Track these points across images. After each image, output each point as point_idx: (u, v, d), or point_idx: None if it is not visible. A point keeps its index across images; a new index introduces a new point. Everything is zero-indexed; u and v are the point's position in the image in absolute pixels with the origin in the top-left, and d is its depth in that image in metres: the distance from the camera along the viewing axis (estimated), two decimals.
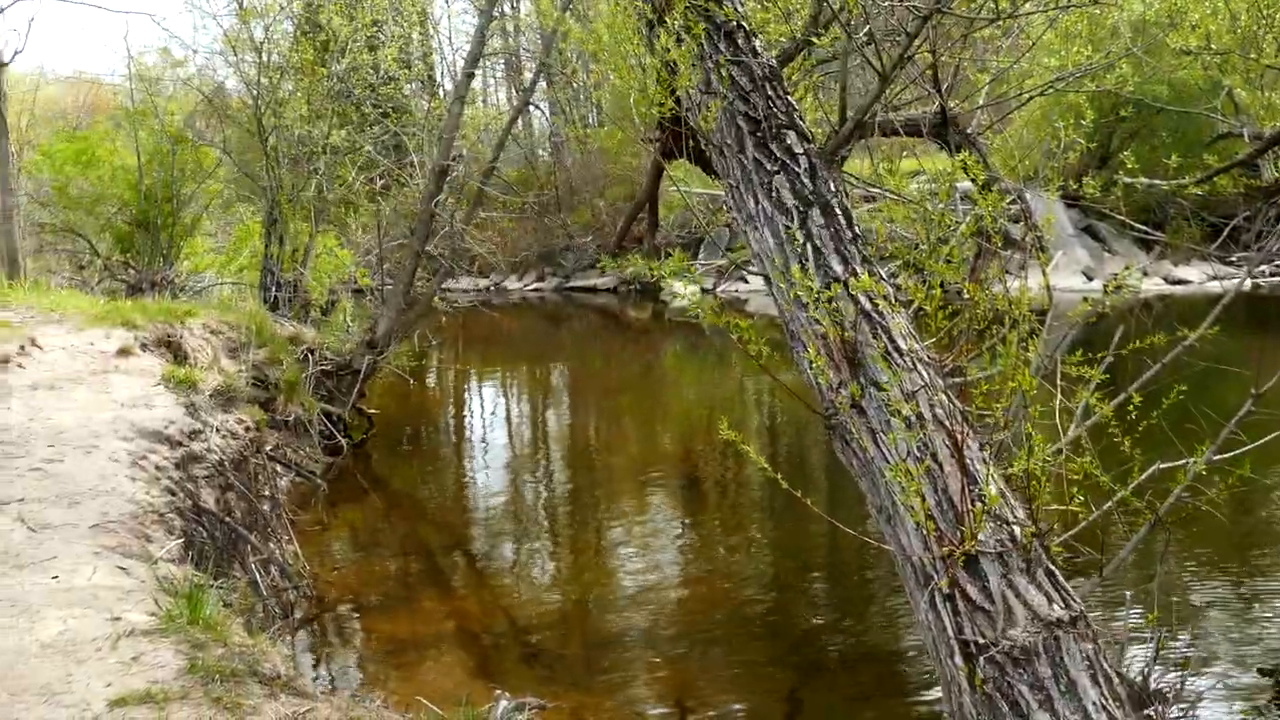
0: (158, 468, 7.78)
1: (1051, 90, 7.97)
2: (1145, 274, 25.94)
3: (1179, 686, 5.64)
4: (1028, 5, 6.55)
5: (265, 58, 15.86)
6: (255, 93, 15.76)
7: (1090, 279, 26.60)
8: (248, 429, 9.78)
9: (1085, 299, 5.02)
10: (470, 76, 15.37)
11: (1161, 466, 4.54)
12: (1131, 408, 4.49)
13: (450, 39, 44.77)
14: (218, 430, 9.15)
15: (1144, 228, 27.69)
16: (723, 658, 6.98)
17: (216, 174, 18.55)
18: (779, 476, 4.70)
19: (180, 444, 8.36)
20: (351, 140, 16.30)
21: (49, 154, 19.35)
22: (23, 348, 9.24)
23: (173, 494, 7.51)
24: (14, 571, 5.64)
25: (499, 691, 5.63)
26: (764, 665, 6.91)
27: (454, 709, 5.35)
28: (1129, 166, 6.29)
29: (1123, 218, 25.23)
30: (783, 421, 14.63)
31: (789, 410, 14.59)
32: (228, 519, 7.86)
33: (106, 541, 6.27)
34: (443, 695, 5.92)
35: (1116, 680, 3.95)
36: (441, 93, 35.03)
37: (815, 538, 9.24)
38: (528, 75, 34.04)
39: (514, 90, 40.31)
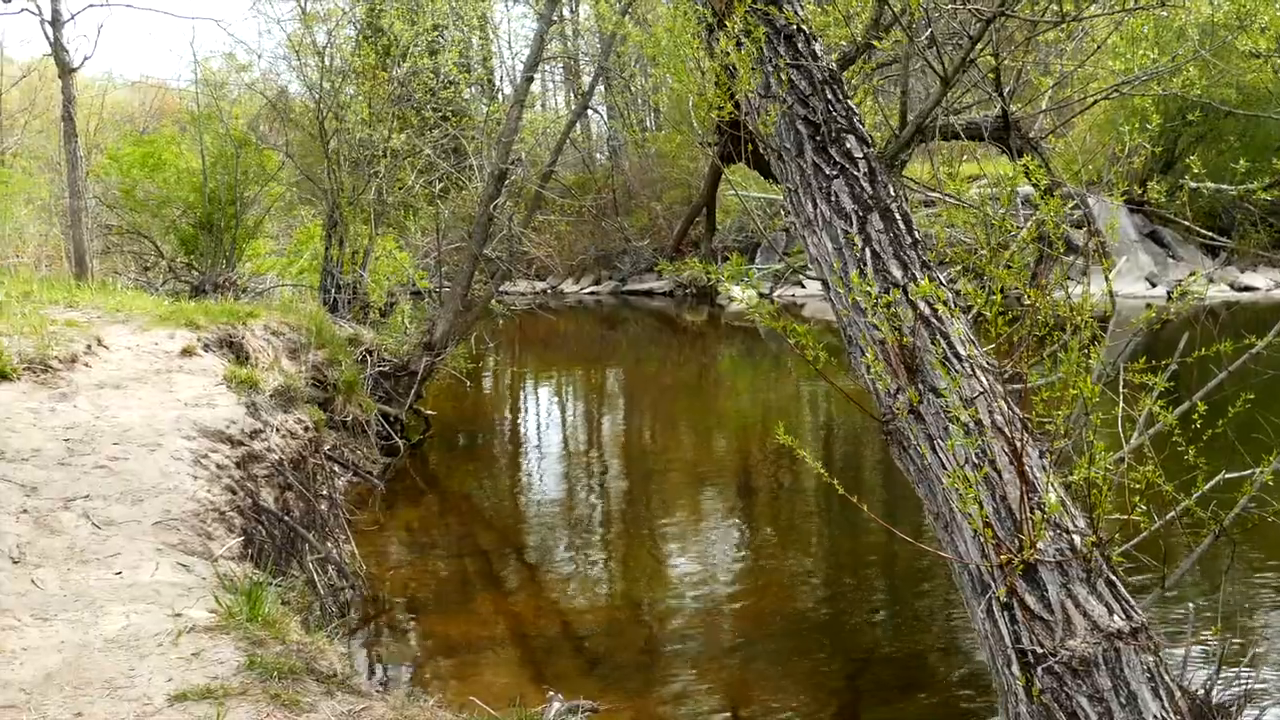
0: (219, 466, 7.88)
1: (1116, 94, 7.86)
2: (1211, 280, 25.51)
3: (1242, 700, 5.53)
4: (1093, 8, 6.47)
5: (328, 62, 16.03)
6: (317, 96, 15.94)
7: (1154, 285, 26.23)
8: (307, 429, 9.88)
9: (1149, 306, 4.94)
10: (529, 80, 15.44)
11: (1226, 476, 4.47)
12: (1196, 416, 4.41)
13: (510, 43, 45.18)
14: (278, 430, 9.26)
15: (1210, 233, 27.23)
16: (776, 663, 6.95)
17: (279, 177, 18.77)
18: (835, 482, 4.68)
19: (241, 443, 8.46)
20: (411, 144, 16.43)
21: (116, 157, 19.67)
22: (89, 347, 9.41)
23: (233, 492, 7.61)
24: (79, 567, 5.74)
25: (552, 693, 5.64)
26: (818, 671, 6.88)
27: (507, 710, 5.36)
28: (1195, 171, 6.17)
29: (1188, 223, 24.82)
30: (839, 427, 14.55)
31: (845, 415, 14.51)
32: (287, 518, 7.94)
33: (168, 538, 6.37)
34: (496, 696, 5.95)
35: (1178, 693, 3.88)
36: (500, 96, 35.29)
37: (871, 544, 9.18)
38: (586, 79, 34.16)
39: (572, 94, 40.50)
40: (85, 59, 19.61)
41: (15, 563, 5.67)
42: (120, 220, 19.19)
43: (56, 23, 17.33)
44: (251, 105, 19.61)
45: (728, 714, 6.35)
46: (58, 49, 17.39)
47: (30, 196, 25.49)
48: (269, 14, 47.40)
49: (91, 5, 20.01)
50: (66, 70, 17.61)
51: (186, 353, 10.03)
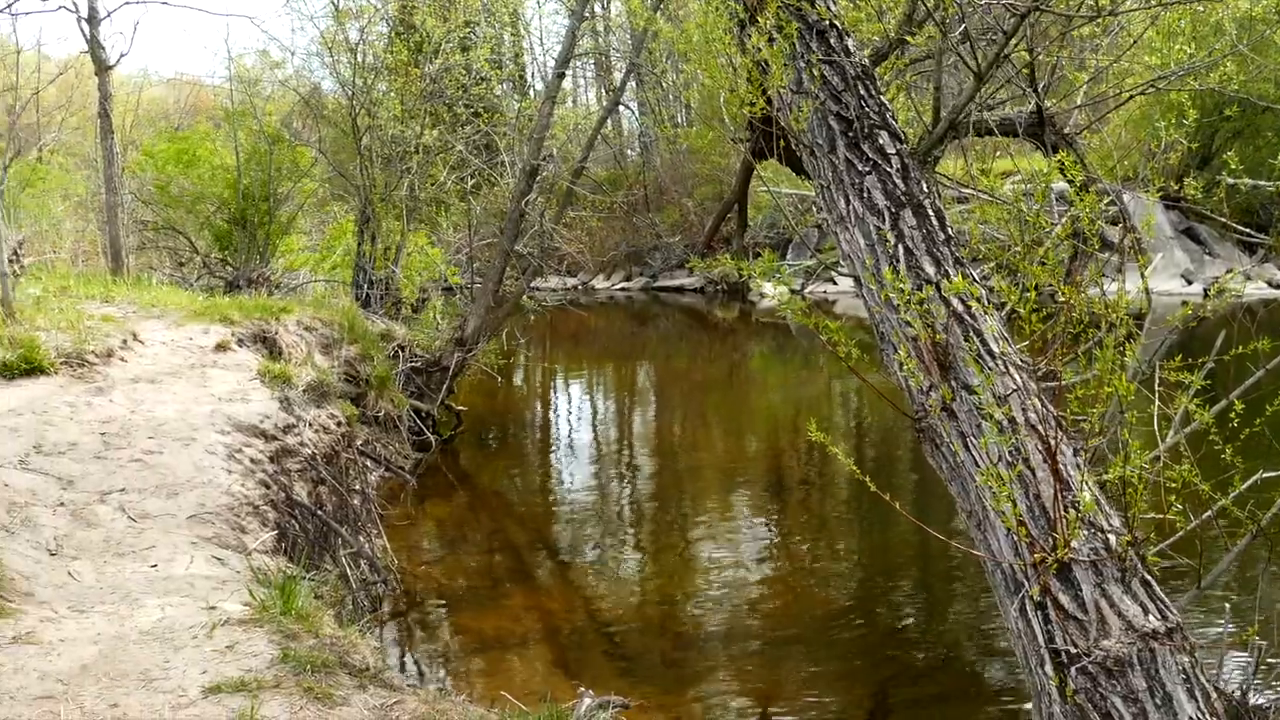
0: (253, 461, 7.94)
1: (1152, 89, 7.78)
2: (1248, 278, 25.21)
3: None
4: (1129, 2, 6.41)
5: (360, 59, 16.10)
6: (350, 93, 16.01)
7: (1190, 283, 25.97)
8: (339, 424, 9.94)
9: (1185, 303, 4.90)
10: (561, 76, 15.45)
11: (1264, 475, 4.42)
12: (1233, 415, 4.37)
13: (541, 39, 45.25)
14: (311, 425, 9.32)
15: (1247, 230, 26.95)
16: (807, 659, 6.94)
17: (312, 173, 18.86)
18: (866, 478, 4.66)
19: (274, 438, 8.52)
20: (443, 140, 16.47)
21: (151, 154, 19.82)
22: (125, 342, 9.49)
23: (267, 487, 7.67)
24: (115, 560, 5.80)
25: (583, 689, 5.65)
26: (848, 667, 6.86)
27: (538, 705, 5.38)
28: (1232, 167, 6.11)
29: (1225, 220, 24.55)
30: (870, 424, 14.50)
31: (876, 413, 14.46)
32: (319, 512, 7.99)
33: (203, 532, 6.43)
34: (527, 691, 5.97)
35: (1214, 695, 3.84)
36: (532, 93, 35.35)
37: (902, 541, 9.14)
38: (617, 75, 34.17)
39: (604, 90, 40.49)
40: (121, 56, 19.77)
41: (53, 555, 5.74)
42: (155, 216, 19.32)
43: (93, 20, 17.47)
44: (285, 102, 19.72)
45: (757, 709, 6.34)
46: (94, 46, 17.52)
47: (67, 192, 25.69)
48: (302, 11, 47.63)
49: (127, 3, 20.22)
50: (103, 67, 17.74)
51: (220, 348, 10.11)
